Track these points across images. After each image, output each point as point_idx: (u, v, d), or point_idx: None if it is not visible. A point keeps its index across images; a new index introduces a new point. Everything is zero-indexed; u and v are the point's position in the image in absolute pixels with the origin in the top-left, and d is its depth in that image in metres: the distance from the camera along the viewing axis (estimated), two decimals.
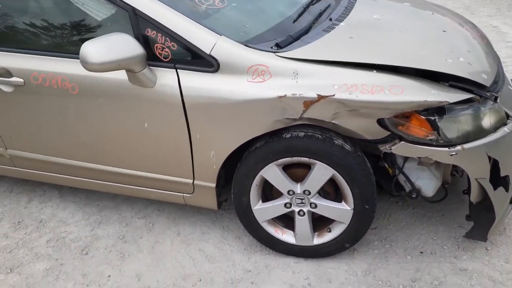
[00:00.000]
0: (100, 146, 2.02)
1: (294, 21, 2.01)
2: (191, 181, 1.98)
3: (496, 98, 1.69)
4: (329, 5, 2.25)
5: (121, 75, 1.80)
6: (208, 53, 1.69)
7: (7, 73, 1.99)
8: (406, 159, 1.86)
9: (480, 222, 1.87)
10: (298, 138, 1.73)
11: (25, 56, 1.97)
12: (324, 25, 1.95)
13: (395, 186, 1.93)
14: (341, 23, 1.96)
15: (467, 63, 1.75)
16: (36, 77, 1.94)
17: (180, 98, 1.75)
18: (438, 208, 2.22)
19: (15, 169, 2.38)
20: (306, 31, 1.90)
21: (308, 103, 1.63)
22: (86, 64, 1.62)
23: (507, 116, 1.74)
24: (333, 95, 1.60)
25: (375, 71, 1.65)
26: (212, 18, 1.83)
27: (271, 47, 1.75)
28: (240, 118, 1.71)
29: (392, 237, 2.09)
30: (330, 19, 2.01)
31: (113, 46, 1.63)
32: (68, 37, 1.92)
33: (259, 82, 1.67)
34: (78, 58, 1.84)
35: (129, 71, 1.73)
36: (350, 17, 2.04)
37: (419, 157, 1.78)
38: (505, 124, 1.72)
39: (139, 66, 1.71)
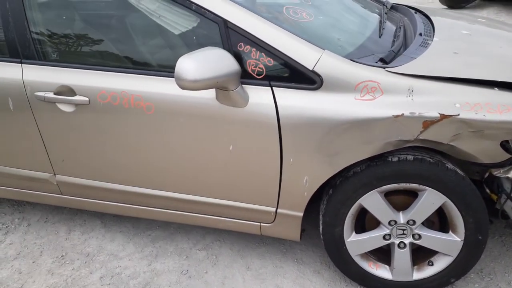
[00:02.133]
0: (172, 171, 1.81)
1: (380, 35, 1.88)
2: (273, 209, 1.78)
3: None
4: (401, 19, 2.14)
5: (206, 93, 1.63)
6: (311, 69, 1.53)
7: (69, 91, 1.79)
8: None
9: None
10: (407, 162, 1.57)
11: (91, 73, 1.78)
12: (418, 40, 1.82)
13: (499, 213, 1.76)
14: (435, 38, 1.83)
15: None
16: (104, 96, 1.74)
17: (275, 118, 1.57)
18: None
19: (61, 197, 2.14)
20: (405, 46, 1.76)
21: (428, 123, 1.47)
22: (182, 81, 1.44)
23: None
24: (458, 115, 1.44)
25: (496, 88, 1.50)
26: (305, 32, 1.68)
27: (376, 62, 1.60)
28: (345, 140, 1.54)
29: (488, 269, 1.91)
30: (420, 34, 1.88)
31: (210, 62, 1.45)
32: (142, 53, 1.74)
33: (369, 100, 1.51)
34: (153, 75, 1.70)
35: (222, 89, 1.55)
36: (439, 32, 1.91)
37: None
38: None
39: (234, 84, 1.53)
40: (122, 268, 2.07)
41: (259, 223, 1.86)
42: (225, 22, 1.58)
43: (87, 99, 1.77)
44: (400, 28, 2.00)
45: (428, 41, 1.81)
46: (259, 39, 1.55)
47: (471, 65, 1.61)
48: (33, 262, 2.16)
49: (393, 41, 1.85)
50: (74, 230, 2.37)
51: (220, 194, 1.83)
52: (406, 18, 2.21)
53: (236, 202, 1.82)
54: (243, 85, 1.59)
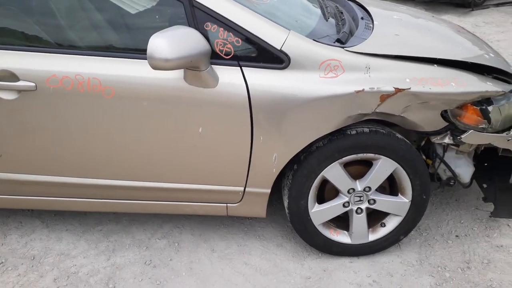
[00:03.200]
0: (136, 159, 1.74)
1: (327, 19, 2.01)
2: (241, 188, 1.82)
3: None
4: (335, 5, 2.29)
5: (173, 74, 1.59)
6: (279, 48, 1.59)
7: (10, 76, 1.60)
8: (445, 149, 1.98)
9: (504, 201, 2.07)
10: (364, 134, 1.72)
11: (37, 55, 1.61)
12: (362, 23, 1.98)
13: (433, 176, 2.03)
14: (375, 22, 2.01)
15: (495, 58, 1.93)
16: (55, 80, 1.60)
17: (246, 97, 1.60)
18: (449, 195, 2.40)
19: None
20: (353, 28, 1.91)
21: (385, 96, 1.63)
22: (154, 60, 1.39)
23: None
24: (409, 88, 1.63)
25: (435, 65, 1.72)
26: (267, 14, 1.72)
27: (334, 43, 1.72)
28: (311, 116, 1.64)
29: (424, 226, 2.19)
30: (362, 18, 2.05)
31: (182, 41, 1.43)
32: (98, 33, 1.62)
33: (333, 78, 1.62)
34: (110, 56, 1.61)
35: (192, 69, 1.53)
36: (376, 17, 2.10)
37: (458, 146, 1.91)
38: None
39: (205, 64, 1.53)
40: (78, 266, 1.93)
41: (225, 204, 1.89)
42: (191, 1, 1.55)
43: (33, 84, 1.60)
44: (341, 12, 2.15)
45: (369, 24, 1.99)
46: (226, 18, 1.56)
47: (412, 45, 1.83)
48: None
49: (338, 24, 2.00)
50: (10, 234, 2.13)
51: (188, 179, 1.80)
52: (338, 4, 2.37)
53: (203, 185, 1.82)
54: (212, 65, 1.59)
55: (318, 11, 2.06)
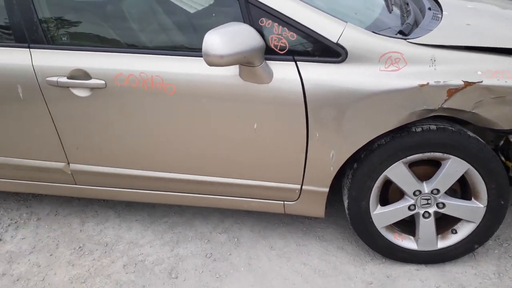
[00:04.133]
0: (196, 153, 1.80)
1: (390, 11, 1.90)
2: (298, 186, 1.79)
3: None
4: None
5: (229, 71, 1.62)
6: (335, 41, 1.53)
7: (84, 75, 1.75)
8: None
9: None
10: (431, 131, 1.59)
11: (106, 55, 1.74)
12: (429, 14, 1.84)
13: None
14: (444, 12, 1.86)
15: None
16: (121, 78, 1.72)
17: (301, 93, 1.57)
18: None
19: (75, 187, 2.11)
20: (419, 19, 1.78)
21: (453, 91, 1.49)
22: (209, 57, 1.43)
23: None
24: (481, 82, 1.47)
25: None
26: (324, 7, 1.68)
27: (396, 34, 1.62)
28: (371, 111, 1.56)
29: (504, 236, 1.96)
30: (430, 9, 1.91)
31: (236, 37, 1.45)
32: (160, 32, 1.72)
33: (394, 71, 1.52)
34: (171, 55, 1.68)
35: (247, 65, 1.54)
36: (446, 7, 1.94)
37: None
38: None
39: (259, 60, 1.53)
40: (145, 255, 2.06)
41: (283, 202, 1.87)
42: None
43: (103, 82, 1.74)
44: (406, 3, 2.02)
45: (438, 15, 1.84)
46: (281, 13, 1.55)
47: (486, 35, 1.65)
48: (51, 255, 2.12)
49: (403, 15, 1.88)
50: (88, 221, 2.34)
51: (244, 174, 1.83)
52: None
53: (260, 181, 1.83)
54: (266, 61, 1.59)
55: (382, 2, 1.96)
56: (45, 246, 2.19)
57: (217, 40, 1.42)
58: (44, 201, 2.54)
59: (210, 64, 1.45)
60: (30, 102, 1.86)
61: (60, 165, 2.03)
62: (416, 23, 1.78)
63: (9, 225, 2.37)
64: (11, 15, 1.79)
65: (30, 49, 1.81)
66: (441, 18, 1.80)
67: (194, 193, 1.96)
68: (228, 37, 1.43)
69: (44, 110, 1.86)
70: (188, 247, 2.08)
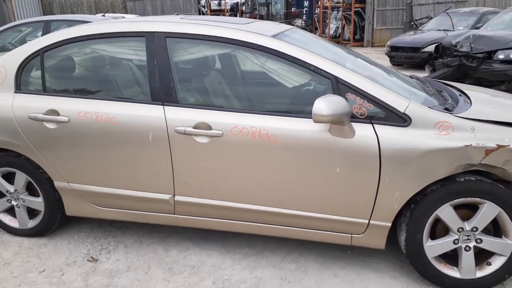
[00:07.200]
0: (286, 190, 2.31)
1: (430, 95, 2.53)
2: (366, 221, 2.28)
3: None
4: (429, 86, 2.80)
5: (320, 127, 2.19)
6: (402, 111, 2.13)
7: (206, 126, 2.31)
8: None
9: None
10: (471, 181, 2.13)
11: (224, 113, 2.32)
12: (461, 98, 2.48)
13: None
14: (472, 98, 2.51)
15: None
16: (236, 130, 2.27)
17: (377, 146, 2.13)
18: None
19: (173, 216, 2.56)
20: (457, 101, 2.42)
21: (489, 151, 2.06)
22: (317, 116, 2.01)
23: None
24: (509, 145, 2.05)
25: None
26: (390, 86, 2.30)
27: (443, 110, 2.23)
28: (428, 163, 2.10)
29: None
30: (460, 95, 2.56)
31: (335, 104, 2.03)
32: (268, 99, 2.32)
33: (445, 135, 2.10)
34: (275, 115, 2.26)
35: (338, 124, 2.11)
36: (471, 94, 2.59)
37: None
38: None
39: (347, 120, 2.11)
40: (229, 275, 2.46)
41: (350, 234, 2.34)
42: (336, 78, 2.19)
43: (221, 132, 2.29)
44: (440, 91, 2.68)
45: (467, 100, 2.48)
46: (364, 90, 2.16)
47: (506, 115, 2.26)
48: (146, 273, 2.51)
49: (440, 99, 2.51)
50: (170, 249, 2.75)
51: (323, 209, 2.31)
52: (433, 85, 2.90)
53: (333, 215, 2.31)
54: (351, 122, 2.17)
55: (422, 91, 2.60)
56: (139, 266, 2.58)
57: (324, 104, 2.01)
58: (127, 232, 2.96)
59: (317, 121, 2.03)
60: (156, 145, 2.39)
61: (167, 196, 2.50)
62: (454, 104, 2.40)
63: (101, 249, 2.77)
64: (152, 81, 2.40)
65: (164, 106, 2.39)
66: (471, 102, 2.43)
67: (274, 224, 2.43)
68: (330, 103, 2.02)
69: (167, 152, 2.38)
70: (265, 271, 2.50)
